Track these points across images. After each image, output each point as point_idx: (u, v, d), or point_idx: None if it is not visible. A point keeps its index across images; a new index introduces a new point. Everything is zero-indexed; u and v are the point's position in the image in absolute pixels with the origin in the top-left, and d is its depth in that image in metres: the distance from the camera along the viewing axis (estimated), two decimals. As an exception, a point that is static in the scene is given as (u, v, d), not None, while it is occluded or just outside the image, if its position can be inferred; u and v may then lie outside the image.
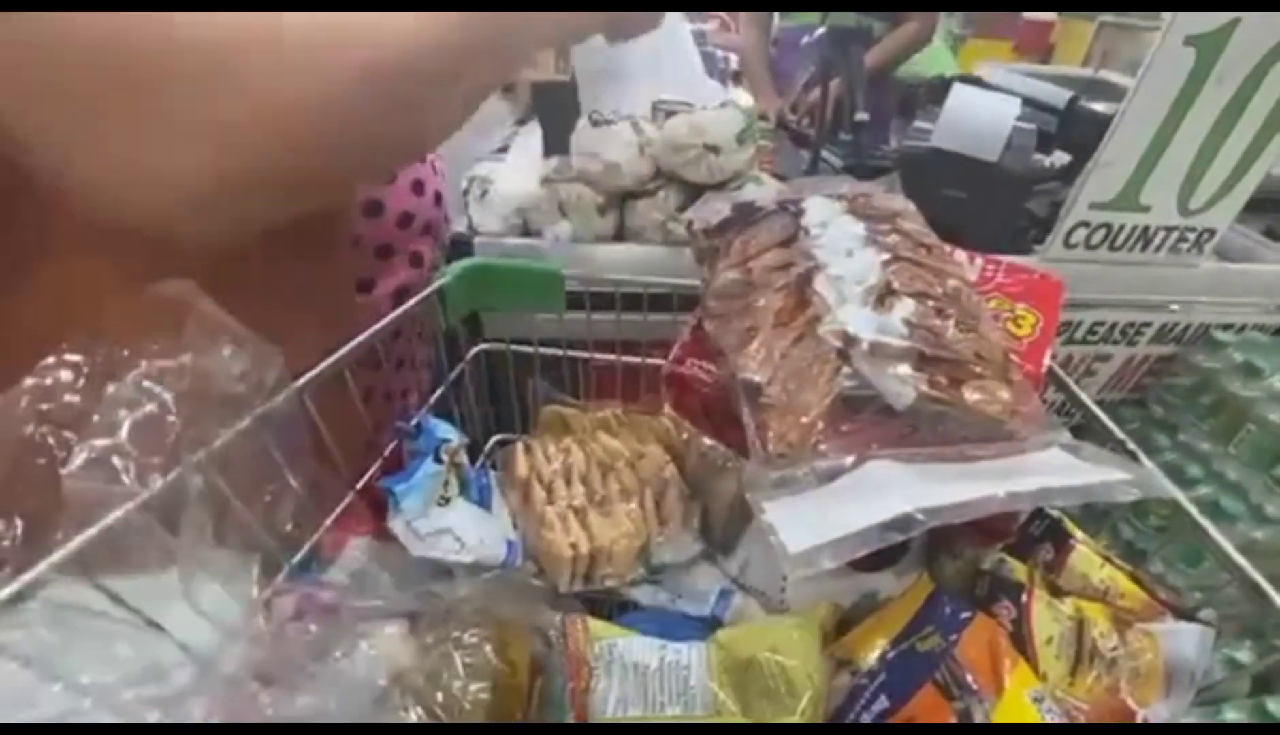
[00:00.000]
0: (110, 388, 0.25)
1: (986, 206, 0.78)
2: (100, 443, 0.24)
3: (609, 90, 1.05)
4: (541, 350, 0.60)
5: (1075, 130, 1.03)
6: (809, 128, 1.11)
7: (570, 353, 0.60)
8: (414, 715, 0.36)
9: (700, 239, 0.47)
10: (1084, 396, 0.43)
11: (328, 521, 0.42)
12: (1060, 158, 1.03)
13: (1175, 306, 0.75)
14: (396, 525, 0.44)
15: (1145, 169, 0.67)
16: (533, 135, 0.87)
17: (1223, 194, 0.70)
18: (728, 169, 0.68)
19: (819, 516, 0.32)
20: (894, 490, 0.33)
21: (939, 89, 0.81)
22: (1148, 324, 0.77)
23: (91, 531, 0.25)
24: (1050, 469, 0.34)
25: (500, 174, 0.72)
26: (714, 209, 0.47)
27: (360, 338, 0.43)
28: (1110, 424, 0.40)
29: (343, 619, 0.37)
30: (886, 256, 0.42)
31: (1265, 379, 0.72)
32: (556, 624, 0.40)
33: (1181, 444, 0.79)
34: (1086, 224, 0.71)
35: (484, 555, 0.47)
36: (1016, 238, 0.82)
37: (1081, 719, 0.34)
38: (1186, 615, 0.35)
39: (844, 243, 0.43)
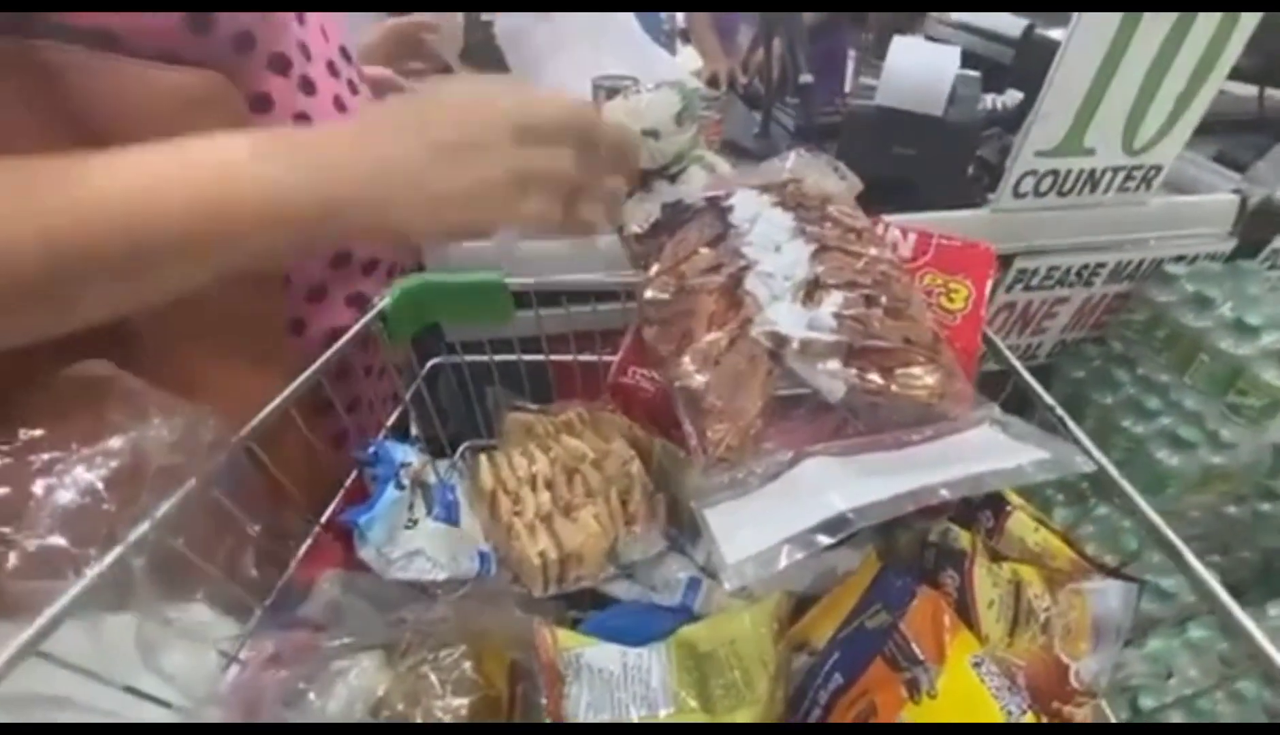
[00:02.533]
0: (38, 483, 0.26)
1: (936, 161, 0.78)
2: (33, 543, 0.25)
3: (545, 65, 1.02)
4: (497, 357, 0.60)
5: (1031, 61, 1.01)
6: (760, 86, 1.09)
7: (526, 357, 0.60)
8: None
9: (633, 244, 0.47)
10: (1018, 365, 0.44)
11: (294, 562, 0.43)
12: (1014, 96, 1.02)
13: (1126, 246, 0.76)
14: (367, 554, 0.45)
15: (1087, 113, 0.67)
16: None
17: (1167, 129, 0.69)
18: (668, 152, 0.67)
19: (757, 522, 0.34)
20: (830, 489, 0.34)
21: (882, 42, 0.79)
22: (1102, 264, 0.78)
23: (29, 633, 0.25)
24: (979, 452, 0.36)
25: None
26: (644, 212, 0.47)
27: (304, 376, 0.43)
28: (1041, 392, 0.41)
29: (319, 657, 0.39)
30: (814, 247, 0.42)
31: (1216, 309, 0.73)
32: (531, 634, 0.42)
33: (1141, 378, 0.80)
34: (1034, 172, 0.71)
35: (458, 571, 0.48)
36: (968, 187, 0.82)
37: (1020, 675, 0.36)
38: (1113, 573, 0.37)
39: (773, 236, 0.43)
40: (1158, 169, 0.73)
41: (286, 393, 0.42)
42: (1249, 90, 1.02)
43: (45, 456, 0.28)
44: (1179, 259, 0.79)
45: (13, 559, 0.24)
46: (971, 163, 0.83)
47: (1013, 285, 0.77)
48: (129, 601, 0.28)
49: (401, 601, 0.45)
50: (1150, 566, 0.72)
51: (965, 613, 0.39)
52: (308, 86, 0.47)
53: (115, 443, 0.28)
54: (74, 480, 0.26)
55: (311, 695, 0.34)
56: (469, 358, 0.59)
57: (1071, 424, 0.39)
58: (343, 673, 0.37)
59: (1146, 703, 0.65)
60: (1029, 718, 0.35)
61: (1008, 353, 0.44)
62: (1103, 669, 0.36)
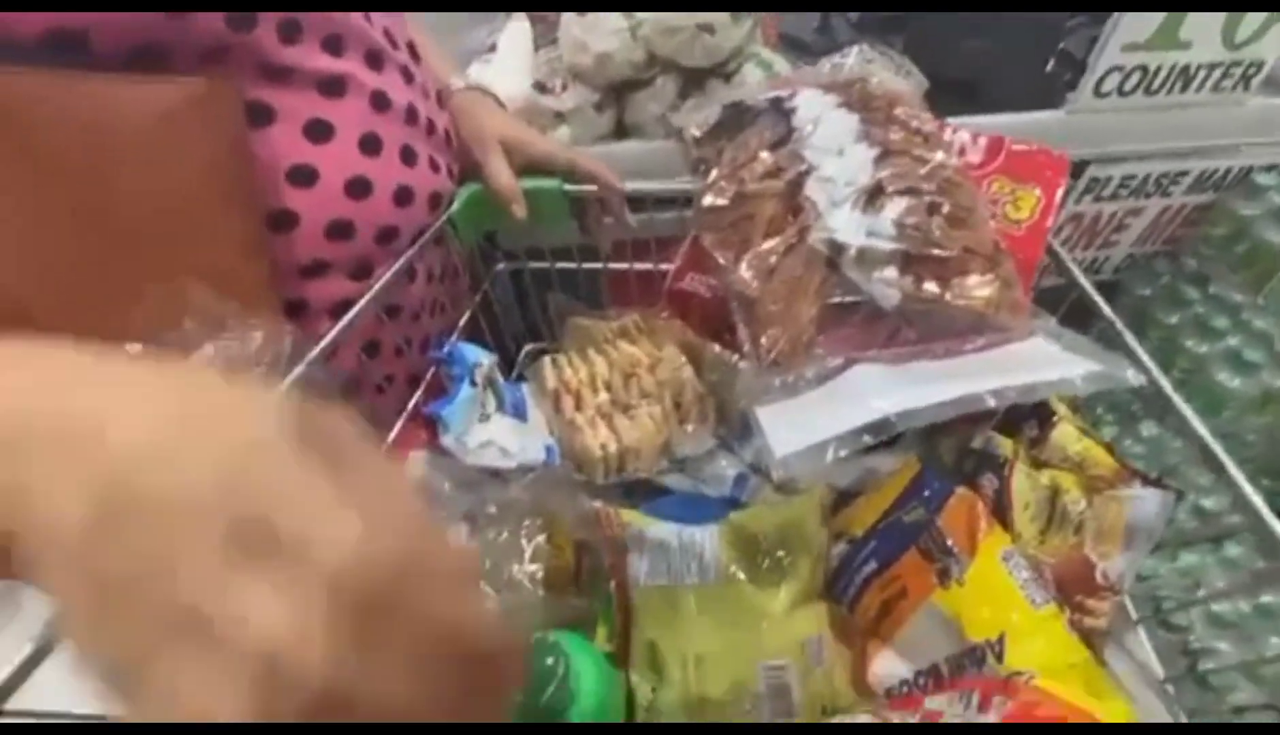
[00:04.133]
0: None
1: (1011, 56, 0.73)
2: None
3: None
4: (558, 265, 0.62)
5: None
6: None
7: (585, 265, 0.62)
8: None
9: (691, 148, 0.47)
10: (1081, 276, 0.43)
11: (384, 447, 0.48)
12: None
13: (1215, 153, 0.71)
14: (448, 442, 0.50)
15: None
16: (520, 26, 0.83)
17: (1275, 20, 0.63)
18: (725, 48, 0.65)
19: (806, 421, 0.36)
20: (877, 393, 0.36)
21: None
22: (1184, 173, 0.73)
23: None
24: (1029, 362, 0.37)
25: (491, 77, 0.70)
26: (703, 115, 0.47)
27: (373, 290, 0.45)
28: (1101, 303, 0.41)
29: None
30: (878, 151, 0.42)
31: (1305, 223, 0.69)
32: (594, 513, 0.47)
33: (1212, 296, 0.77)
34: (1120, 68, 0.66)
35: (526, 459, 0.53)
36: (1047, 85, 0.77)
37: (1047, 571, 0.39)
38: (1153, 482, 0.38)
39: (836, 140, 0.42)
40: (1259, 66, 0.66)
41: (365, 299, 0.45)
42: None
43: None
44: (1270, 168, 0.73)
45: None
46: (1053, 57, 0.77)
47: (1083, 195, 0.74)
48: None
49: (479, 482, 0.50)
50: (1192, 485, 0.73)
51: (1001, 514, 0.41)
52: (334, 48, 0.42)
53: (210, 351, 0.32)
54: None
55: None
56: (531, 264, 0.62)
57: (1129, 337, 0.39)
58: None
59: (1175, 615, 0.68)
60: (1051, 608, 0.38)
61: (1071, 264, 0.44)
62: (1130, 568, 0.38)
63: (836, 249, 0.39)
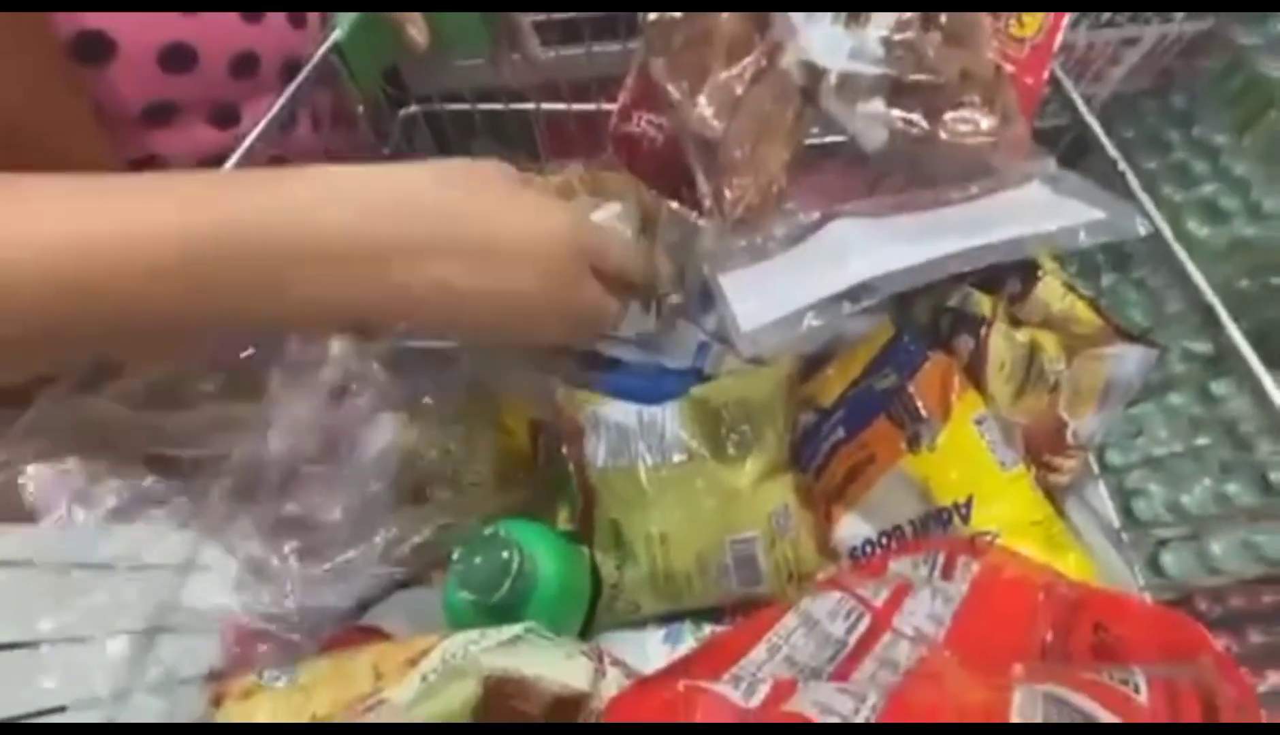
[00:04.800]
0: None
1: None
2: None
3: None
4: (481, 106, 0.53)
5: None
6: None
7: (514, 106, 0.53)
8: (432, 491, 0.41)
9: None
10: (1086, 113, 0.38)
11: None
12: None
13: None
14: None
15: None
16: None
17: None
18: None
19: (776, 288, 0.32)
20: (856, 254, 0.32)
21: None
22: (1191, -11, 0.66)
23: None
24: (1025, 212, 0.32)
25: None
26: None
27: (253, 135, 0.36)
28: (1112, 149, 0.36)
29: (344, 415, 0.39)
30: (868, -52, 0.34)
31: (1306, 53, 0.63)
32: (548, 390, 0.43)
33: (1195, 140, 0.73)
34: None
35: (466, 337, 0.48)
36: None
37: (1018, 432, 0.37)
38: (1137, 338, 0.36)
39: (816, -70, 0.34)
40: None
41: (242, 148, 0.37)
42: None
43: None
44: (1280, -12, 0.66)
45: None
46: None
47: (1078, 21, 0.66)
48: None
49: (418, 363, 0.45)
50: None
51: (976, 376, 0.39)
52: None
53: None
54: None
55: (343, 448, 0.35)
56: (449, 106, 0.52)
57: (1132, 180, 0.35)
58: (371, 427, 0.38)
59: (1114, 459, 0.70)
60: (1019, 469, 0.37)
61: (1075, 95, 0.38)
62: (1101, 426, 0.37)
63: (813, 75, 0.32)
